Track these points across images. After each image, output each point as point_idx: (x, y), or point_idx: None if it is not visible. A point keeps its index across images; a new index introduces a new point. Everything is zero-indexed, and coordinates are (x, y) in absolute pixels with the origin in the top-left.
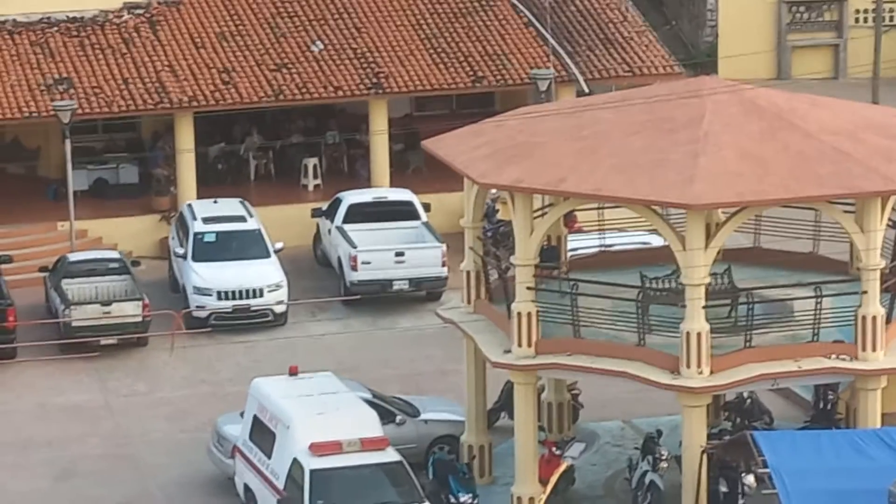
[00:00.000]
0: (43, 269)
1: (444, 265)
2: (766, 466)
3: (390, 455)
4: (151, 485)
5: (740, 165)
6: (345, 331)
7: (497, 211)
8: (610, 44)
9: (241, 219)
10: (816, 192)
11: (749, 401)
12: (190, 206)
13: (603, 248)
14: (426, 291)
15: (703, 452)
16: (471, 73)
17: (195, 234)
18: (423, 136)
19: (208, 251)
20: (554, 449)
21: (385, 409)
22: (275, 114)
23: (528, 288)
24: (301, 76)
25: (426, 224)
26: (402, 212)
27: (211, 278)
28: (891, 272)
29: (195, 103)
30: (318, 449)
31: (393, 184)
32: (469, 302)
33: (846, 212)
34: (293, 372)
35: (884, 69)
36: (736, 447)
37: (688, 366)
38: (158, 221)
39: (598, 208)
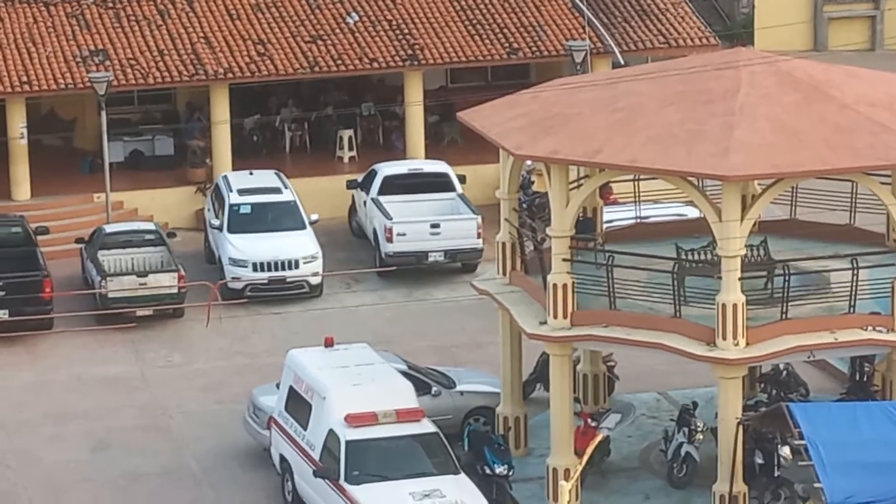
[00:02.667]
0: (79, 240)
1: (479, 237)
2: (802, 438)
3: (426, 426)
4: (187, 456)
5: (776, 137)
6: (380, 302)
7: (532, 182)
8: (646, 15)
9: (277, 190)
10: (853, 164)
11: (785, 372)
12: (225, 177)
13: (638, 220)
14: (461, 263)
15: (738, 424)
16: (506, 44)
17: (231, 206)
18: (458, 108)
19: (244, 223)
20: (589, 420)
21: (420, 381)
22: (310, 85)
23: (564, 259)
24: (336, 48)
25: (461, 196)
26: (438, 183)
27: (246, 250)
28: None
29: (231, 75)
30: (353, 420)
31: (428, 155)
32: (504, 273)
33: (883, 183)
34: (329, 343)
35: None
36: (772, 419)
37: (723, 337)
38: (194, 193)
39: (634, 180)
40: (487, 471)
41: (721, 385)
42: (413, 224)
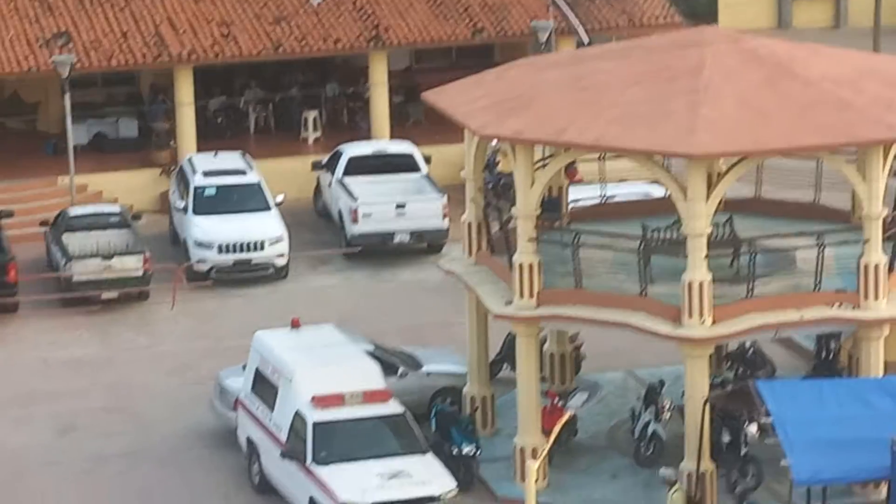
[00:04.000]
0: (44, 223)
1: (445, 217)
2: (768, 416)
3: (393, 407)
4: (154, 438)
5: (741, 115)
6: (346, 283)
7: (498, 162)
8: None
9: (242, 172)
10: (818, 142)
11: (751, 350)
12: (190, 159)
13: (604, 199)
14: (427, 243)
15: (705, 402)
16: (471, 24)
17: (196, 188)
18: (423, 89)
19: (209, 205)
20: (556, 400)
21: (387, 362)
22: (274, 67)
23: (530, 239)
24: (300, 29)
25: (427, 176)
26: (403, 164)
27: (212, 232)
28: (893, 221)
29: (194, 57)
30: (320, 402)
31: (393, 136)
32: (470, 254)
33: (848, 161)
34: (295, 325)
35: (885, 18)
36: (738, 397)
37: (690, 316)
38: (159, 175)
39: (600, 159)
40: (455, 451)
41: (688, 363)
42: (378, 205)
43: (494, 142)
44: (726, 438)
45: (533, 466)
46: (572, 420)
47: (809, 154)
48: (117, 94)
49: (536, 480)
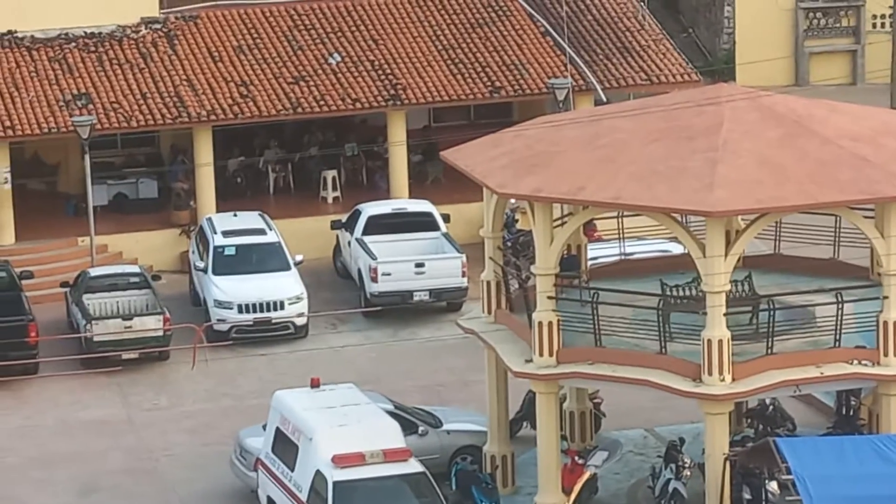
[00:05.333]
0: (64, 284)
1: (464, 275)
2: (789, 473)
3: (413, 466)
4: (174, 499)
5: (759, 172)
6: (366, 342)
7: (517, 221)
8: (627, 52)
9: (261, 232)
10: (836, 198)
11: (771, 407)
12: (210, 219)
13: (623, 257)
14: (446, 302)
15: (726, 460)
16: (488, 83)
17: (215, 248)
18: (441, 147)
19: (229, 264)
20: (577, 458)
21: (407, 420)
22: (293, 126)
23: (549, 297)
24: (319, 89)
25: (446, 235)
26: (422, 223)
27: (232, 291)
28: None
29: (213, 117)
30: (340, 461)
31: (412, 195)
32: (490, 312)
33: (866, 217)
34: (315, 384)
35: None
36: (759, 454)
37: (709, 373)
38: (178, 235)
39: (618, 216)
40: None
41: (708, 421)
42: (398, 263)
43: (513, 200)
44: (747, 496)
45: None
46: (592, 478)
47: (828, 210)
48: (137, 155)
49: None
